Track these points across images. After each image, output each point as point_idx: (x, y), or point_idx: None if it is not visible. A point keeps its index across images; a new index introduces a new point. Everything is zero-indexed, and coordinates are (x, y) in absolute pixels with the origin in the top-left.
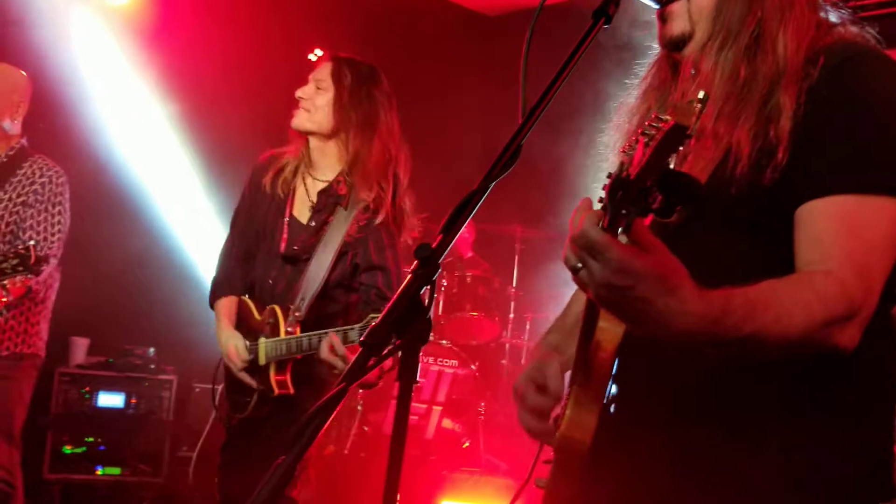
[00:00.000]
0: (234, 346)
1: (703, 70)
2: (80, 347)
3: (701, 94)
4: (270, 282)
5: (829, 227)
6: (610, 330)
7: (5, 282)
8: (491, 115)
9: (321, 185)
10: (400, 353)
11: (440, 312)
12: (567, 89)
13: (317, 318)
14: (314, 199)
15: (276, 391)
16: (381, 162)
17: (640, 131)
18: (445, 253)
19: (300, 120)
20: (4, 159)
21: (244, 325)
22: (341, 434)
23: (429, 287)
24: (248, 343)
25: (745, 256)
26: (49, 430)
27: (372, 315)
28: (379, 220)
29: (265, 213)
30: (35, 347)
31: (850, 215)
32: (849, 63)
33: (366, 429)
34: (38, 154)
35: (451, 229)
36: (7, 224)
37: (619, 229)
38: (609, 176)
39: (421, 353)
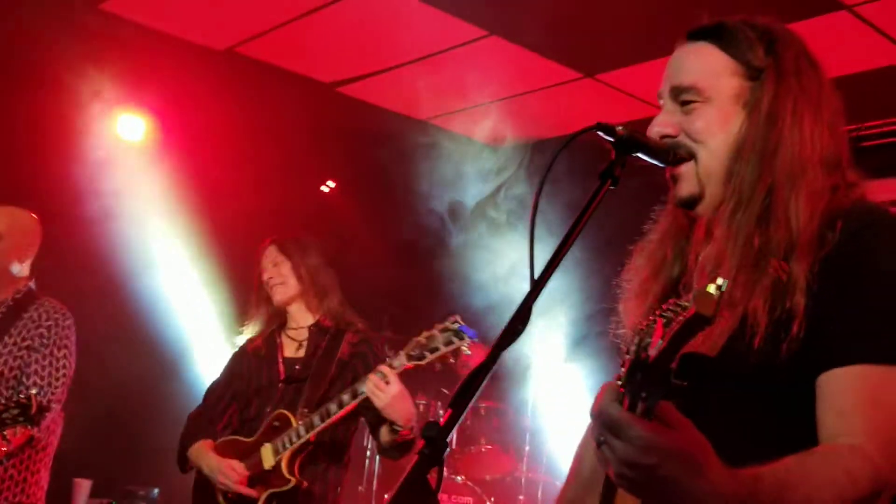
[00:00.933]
0: (227, 463)
1: (717, 236)
2: (82, 489)
3: (720, 282)
4: (269, 409)
5: (853, 397)
6: (630, 499)
7: (5, 431)
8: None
9: (303, 331)
10: None
11: (454, 447)
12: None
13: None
14: (301, 338)
15: (292, 481)
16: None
17: (658, 312)
18: (453, 430)
19: (280, 295)
20: (11, 303)
21: (235, 454)
22: (361, 471)
23: (437, 468)
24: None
25: (766, 429)
26: None
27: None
28: (364, 335)
29: (256, 371)
30: (34, 497)
31: (873, 385)
32: (868, 231)
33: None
34: (45, 297)
35: (459, 404)
36: (11, 369)
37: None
38: (626, 354)
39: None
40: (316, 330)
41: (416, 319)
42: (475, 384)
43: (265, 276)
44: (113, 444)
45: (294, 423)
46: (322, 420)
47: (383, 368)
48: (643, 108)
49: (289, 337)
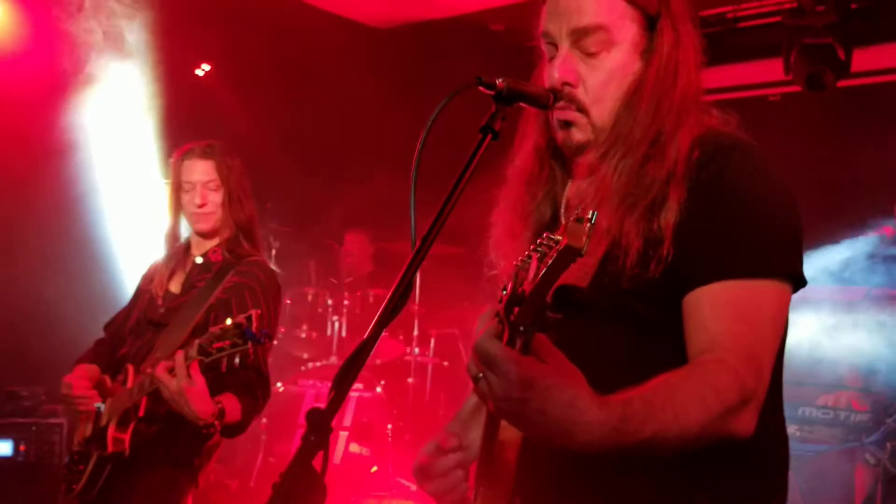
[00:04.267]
0: (72, 374)
1: (601, 173)
2: None
3: (590, 215)
4: (135, 351)
5: (716, 313)
6: (512, 429)
7: None
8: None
9: (197, 261)
10: None
11: (343, 335)
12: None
13: None
14: (189, 271)
15: (109, 448)
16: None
17: (532, 247)
18: (336, 413)
19: (205, 224)
20: None
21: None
22: (246, 466)
23: (323, 451)
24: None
25: (637, 349)
26: None
27: (218, 328)
28: (243, 280)
29: (143, 300)
30: None
31: (735, 300)
32: (721, 154)
33: (271, 459)
34: None
35: (342, 384)
36: None
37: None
38: (504, 290)
39: (325, 379)
40: (201, 265)
41: (301, 212)
42: (356, 364)
43: (196, 200)
44: None
45: (129, 383)
46: (149, 386)
47: (177, 357)
48: None
49: (184, 268)
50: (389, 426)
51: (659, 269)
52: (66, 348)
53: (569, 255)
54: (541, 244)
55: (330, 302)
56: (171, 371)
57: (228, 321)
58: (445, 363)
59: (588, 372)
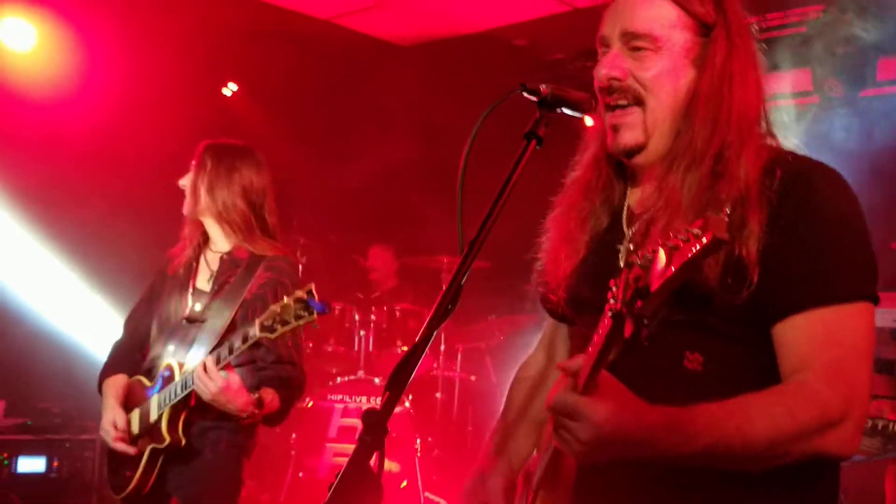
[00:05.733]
0: (109, 417)
1: (669, 184)
2: None
3: (728, 209)
4: (172, 348)
5: (810, 340)
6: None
7: None
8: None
9: (221, 255)
10: None
11: (370, 349)
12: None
13: None
14: (214, 268)
15: (167, 439)
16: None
17: (660, 242)
18: (391, 414)
19: (185, 206)
20: None
21: (136, 398)
22: (276, 481)
23: (378, 452)
24: (141, 406)
25: (725, 367)
26: None
27: (247, 330)
28: (275, 276)
29: (168, 297)
30: None
31: (828, 326)
32: (802, 179)
33: (301, 475)
34: None
35: (395, 386)
36: None
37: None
38: (616, 286)
39: (353, 394)
40: (228, 260)
41: (326, 226)
42: (410, 365)
43: (180, 181)
44: (24, 363)
45: (176, 378)
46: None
47: (207, 359)
48: (550, 4)
49: (206, 262)
50: (418, 441)
51: (746, 295)
52: (99, 361)
53: (714, 246)
54: (674, 237)
55: (357, 317)
56: (206, 372)
57: (285, 298)
58: (472, 377)
59: (667, 390)
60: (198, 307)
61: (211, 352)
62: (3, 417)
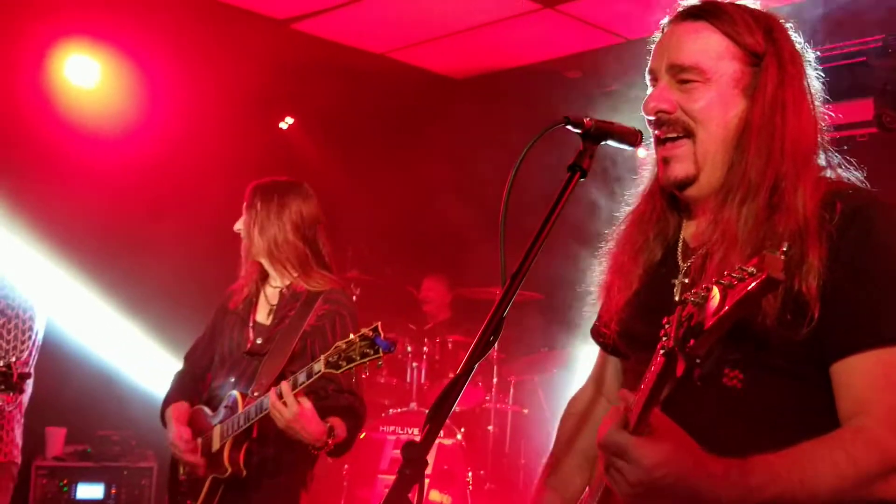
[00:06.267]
0: (177, 432)
1: (726, 219)
2: (56, 438)
3: (785, 247)
4: (233, 379)
5: (869, 382)
6: None
7: None
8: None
9: (280, 289)
10: None
11: (423, 381)
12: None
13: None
14: (274, 302)
15: (229, 470)
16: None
17: (714, 280)
18: (431, 446)
19: (242, 248)
20: None
21: (198, 426)
22: None
23: (418, 485)
24: (203, 435)
25: (784, 405)
26: None
27: (312, 365)
28: (334, 308)
29: (230, 331)
30: (11, 455)
31: (887, 368)
32: (862, 214)
33: None
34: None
35: (436, 418)
36: None
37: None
38: (668, 324)
39: (406, 425)
40: (287, 295)
41: (380, 258)
42: (451, 397)
43: (235, 225)
44: (85, 390)
45: (240, 408)
46: (263, 409)
47: (282, 385)
48: (602, 36)
49: (266, 297)
50: (470, 474)
51: (805, 332)
52: (156, 393)
53: (769, 286)
54: (729, 275)
55: (409, 348)
56: (281, 400)
57: (351, 335)
58: (525, 411)
59: (730, 425)
60: (259, 340)
61: (275, 382)
62: (63, 444)
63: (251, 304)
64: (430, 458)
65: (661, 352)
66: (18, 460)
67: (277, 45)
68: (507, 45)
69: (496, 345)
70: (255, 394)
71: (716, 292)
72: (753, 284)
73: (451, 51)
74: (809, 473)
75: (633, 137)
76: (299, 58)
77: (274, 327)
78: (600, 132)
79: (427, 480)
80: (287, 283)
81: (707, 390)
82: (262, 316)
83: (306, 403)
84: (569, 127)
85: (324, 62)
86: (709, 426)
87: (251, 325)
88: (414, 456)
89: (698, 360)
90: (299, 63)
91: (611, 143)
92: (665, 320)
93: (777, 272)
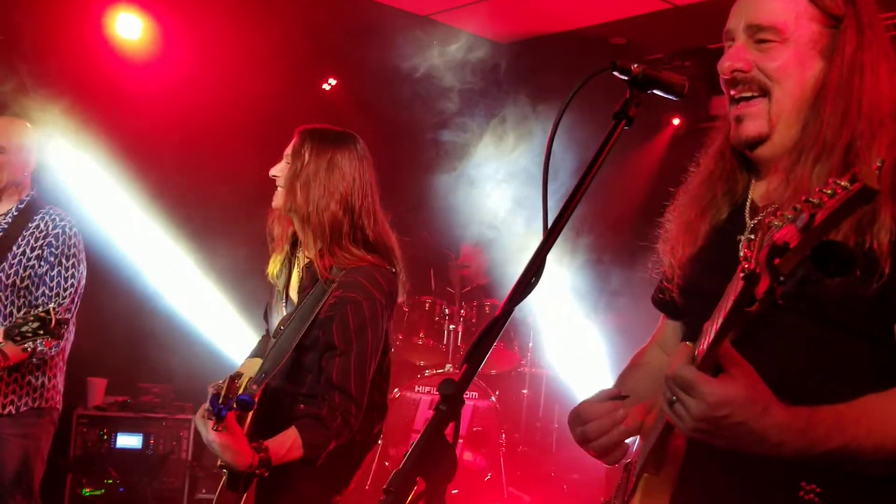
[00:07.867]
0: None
1: (799, 176)
2: (97, 388)
3: (879, 163)
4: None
5: None
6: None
7: (26, 344)
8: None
9: (308, 261)
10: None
11: (459, 343)
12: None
13: (274, 392)
14: (302, 277)
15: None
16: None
17: (803, 199)
18: (468, 385)
19: (276, 198)
20: (16, 212)
21: None
22: (362, 470)
23: (454, 423)
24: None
25: (840, 359)
26: (68, 472)
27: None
28: (347, 294)
29: (274, 305)
30: (53, 401)
31: None
32: None
33: (387, 464)
34: (49, 205)
35: (474, 358)
36: (22, 279)
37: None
38: (751, 248)
39: None
40: (311, 271)
41: (420, 222)
42: (489, 339)
43: (271, 170)
44: (127, 343)
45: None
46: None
47: (201, 409)
48: (651, 1)
49: (299, 266)
50: (503, 436)
51: (874, 288)
52: (195, 348)
53: (866, 196)
54: (819, 193)
55: (447, 311)
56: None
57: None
58: (561, 376)
59: (783, 369)
60: (282, 326)
61: (261, 378)
62: (104, 395)
63: (286, 278)
64: (465, 419)
65: (741, 275)
66: (60, 406)
67: (323, 4)
68: (553, 10)
69: (533, 309)
70: (254, 387)
71: (802, 212)
72: (851, 193)
73: (495, 14)
74: (877, 425)
75: (681, 87)
76: (344, 19)
77: (295, 309)
78: (648, 80)
79: (460, 441)
80: (311, 254)
81: (777, 335)
82: (294, 291)
83: (232, 430)
84: (616, 73)
85: (368, 24)
86: (776, 371)
87: (284, 302)
88: (450, 392)
89: (782, 278)
90: (344, 24)
91: (657, 91)
92: (744, 246)
93: (873, 181)
